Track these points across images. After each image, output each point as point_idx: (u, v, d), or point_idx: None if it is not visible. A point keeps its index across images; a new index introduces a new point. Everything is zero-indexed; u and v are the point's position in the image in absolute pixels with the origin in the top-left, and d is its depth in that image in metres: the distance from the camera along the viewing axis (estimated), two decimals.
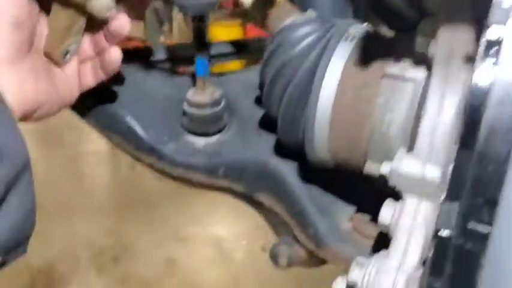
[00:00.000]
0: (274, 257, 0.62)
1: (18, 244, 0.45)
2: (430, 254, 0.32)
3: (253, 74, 0.66)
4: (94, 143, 3.00)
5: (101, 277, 2.14)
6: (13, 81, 0.47)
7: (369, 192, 0.59)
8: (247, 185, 0.63)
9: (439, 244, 0.31)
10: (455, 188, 0.33)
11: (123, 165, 2.89)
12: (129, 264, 2.20)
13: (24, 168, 0.44)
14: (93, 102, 0.62)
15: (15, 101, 0.47)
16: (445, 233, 0.31)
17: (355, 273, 0.45)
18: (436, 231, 0.32)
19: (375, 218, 0.58)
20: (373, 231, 0.57)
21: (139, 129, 0.62)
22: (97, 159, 2.87)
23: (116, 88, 0.64)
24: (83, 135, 3.05)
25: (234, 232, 2.44)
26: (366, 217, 0.58)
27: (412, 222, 0.44)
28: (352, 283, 0.45)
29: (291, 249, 0.62)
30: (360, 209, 0.59)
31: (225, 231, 2.44)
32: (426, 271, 0.32)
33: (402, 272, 0.42)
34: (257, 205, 0.66)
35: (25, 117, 0.50)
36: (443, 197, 0.34)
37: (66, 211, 2.45)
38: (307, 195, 0.59)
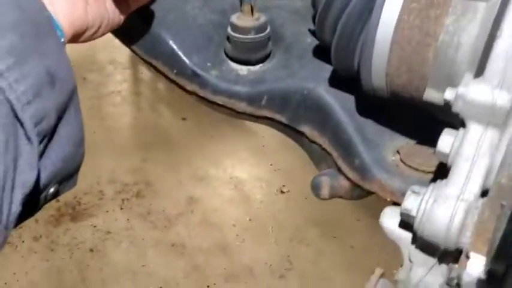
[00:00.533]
0: (316, 188, 0.61)
1: (70, 175, 0.44)
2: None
3: (299, 2, 0.63)
4: (116, 84, 3.00)
5: (124, 211, 2.19)
6: (64, 2, 0.45)
7: (417, 124, 0.58)
8: (290, 115, 0.61)
9: None
10: None
11: (145, 106, 2.90)
12: (151, 201, 2.25)
13: (72, 94, 0.43)
14: (138, 24, 0.60)
15: (66, 22, 0.46)
16: None
17: (410, 202, 0.44)
18: None
19: (422, 151, 0.57)
20: (421, 163, 0.56)
21: (182, 54, 0.60)
22: (120, 100, 2.87)
23: (159, 12, 0.61)
24: (105, 76, 3.04)
25: (252, 174, 2.47)
26: (414, 149, 0.57)
27: (475, 151, 0.42)
28: (407, 211, 0.44)
29: (334, 180, 0.61)
30: (408, 142, 0.58)
31: (244, 174, 2.47)
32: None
33: (462, 200, 0.41)
34: (298, 137, 0.65)
35: (74, 39, 0.49)
36: None
37: (90, 149, 2.45)
38: (354, 125, 0.57)
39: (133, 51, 0.62)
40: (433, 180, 0.52)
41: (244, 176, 2.45)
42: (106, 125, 2.68)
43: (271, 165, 2.53)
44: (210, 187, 2.37)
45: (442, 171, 0.47)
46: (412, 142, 0.57)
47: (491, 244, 0.33)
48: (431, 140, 0.49)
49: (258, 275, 2.00)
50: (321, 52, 0.58)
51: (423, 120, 0.55)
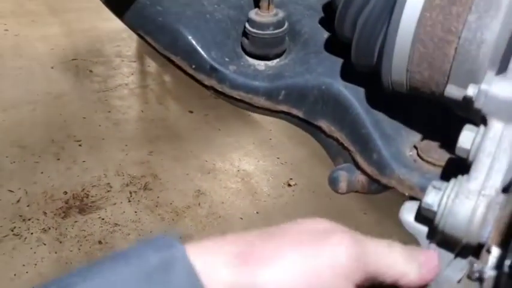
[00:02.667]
0: (333, 182, 0.62)
1: None
2: None
3: None
4: (123, 77, 3.01)
5: (132, 204, 2.21)
6: None
7: (435, 119, 0.58)
8: (307, 110, 0.62)
9: None
10: None
11: (152, 98, 2.90)
12: (159, 193, 2.26)
13: None
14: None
15: None
16: None
17: (432, 197, 0.44)
18: None
19: (441, 145, 0.58)
20: (438, 159, 0.56)
21: (201, 49, 0.61)
22: (127, 93, 2.88)
23: (177, 8, 0.62)
24: (112, 69, 3.05)
25: (259, 167, 2.48)
26: (431, 144, 0.57)
27: (497, 146, 0.42)
28: (428, 206, 0.45)
29: (351, 175, 0.61)
30: (425, 136, 0.58)
31: (251, 167, 2.48)
32: None
33: (483, 196, 0.42)
34: (314, 131, 0.65)
35: None
36: None
37: (97, 142, 2.50)
38: (372, 120, 0.58)
39: (152, 46, 0.63)
40: (443, 174, 0.53)
41: (251, 169, 2.46)
42: (113, 118, 2.69)
43: (278, 158, 2.54)
44: (217, 180, 2.38)
45: (453, 166, 0.47)
46: (429, 138, 0.58)
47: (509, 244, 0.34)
48: (447, 136, 0.50)
49: None
50: (338, 47, 0.58)
51: (439, 116, 0.56)
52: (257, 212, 2.23)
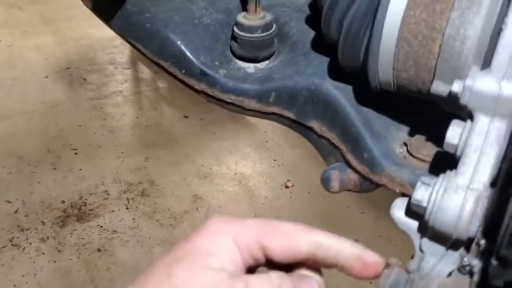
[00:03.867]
0: (325, 182, 0.62)
1: None
2: None
3: None
4: (117, 84, 3.01)
5: (130, 211, 2.21)
6: None
7: (424, 117, 0.59)
8: (298, 111, 0.62)
9: None
10: None
11: (147, 105, 2.91)
12: (156, 200, 2.26)
13: None
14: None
15: None
16: None
17: (421, 193, 0.45)
18: None
19: (430, 141, 0.58)
20: (428, 155, 0.57)
21: (190, 54, 0.61)
22: (121, 100, 2.88)
23: (165, 14, 0.62)
24: (105, 76, 3.06)
25: (256, 170, 2.48)
26: (421, 141, 0.58)
27: (484, 141, 0.43)
28: (417, 202, 0.45)
29: (343, 174, 0.62)
30: (414, 134, 0.59)
31: (248, 170, 2.48)
32: None
33: (472, 190, 0.42)
34: (306, 132, 0.66)
35: None
36: None
37: (93, 149, 2.50)
38: (362, 119, 0.58)
39: (142, 53, 0.63)
40: (432, 170, 0.53)
41: (248, 172, 2.47)
42: (108, 125, 2.69)
43: (274, 160, 2.54)
44: (214, 184, 2.38)
45: (442, 161, 0.47)
46: (418, 134, 0.58)
47: (501, 232, 0.34)
48: (436, 132, 0.50)
49: None
50: (326, 48, 0.59)
51: (428, 112, 0.56)
52: (255, 215, 2.23)
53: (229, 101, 0.63)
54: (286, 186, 2.41)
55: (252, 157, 2.57)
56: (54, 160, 2.45)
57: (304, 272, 0.44)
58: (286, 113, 0.63)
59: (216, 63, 0.62)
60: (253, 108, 0.64)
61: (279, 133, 2.67)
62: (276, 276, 0.42)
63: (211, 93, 0.63)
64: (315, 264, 0.44)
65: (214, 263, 0.41)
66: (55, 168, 2.41)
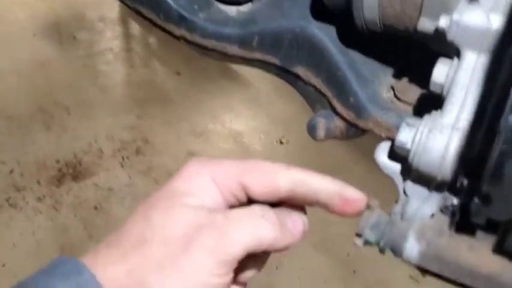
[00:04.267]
0: (311, 130, 0.61)
1: None
2: None
3: None
4: (108, 41, 2.94)
5: (125, 169, 2.21)
6: None
7: (411, 59, 0.57)
8: (283, 56, 0.60)
9: None
10: None
11: (138, 62, 2.85)
12: (151, 157, 2.26)
13: None
14: None
15: None
16: None
17: (405, 134, 0.43)
18: None
19: (417, 84, 0.56)
20: (415, 98, 0.55)
21: None
22: (112, 57, 2.82)
23: None
24: (96, 34, 2.98)
25: (251, 127, 2.47)
26: (408, 84, 0.56)
27: (470, 78, 0.41)
28: (401, 144, 0.44)
29: (329, 121, 0.60)
30: (401, 77, 0.57)
31: (242, 126, 2.47)
32: (506, 110, 0.30)
33: (457, 129, 0.41)
34: (293, 80, 0.64)
35: None
36: None
37: (85, 108, 2.47)
38: (348, 62, 0.56)
39: (121, 1, 0.60)
40: (418, 112, 0.52)
41: (242, 129, 2.45)
42: (100, 83, 2.65)
43: (268, 116, 2.52)
44: (209, 141, 2.37)
45: (428, 103, 0.46)
46: (405, 78, 0.57)
47: (486, 169, 0.33)
48: (424, 75, 0.48)
49: None
50: None
51: (415, 54, 0.54)
52: None
53: (211, 46, 0.61)
54: (281, 142, 2.40)
55: (246, 114, 2.55)
56: (46, 119, 2.42)
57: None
58: (271, 59, 0.61)
59: (196, 6, 0.59)
60: (236, 54, 0.62)
61: (273, 90, 2.64)
62: (259, 208, 0.41)
63: (191, 39, 0.60)
64: (296, 203, 0.43)
65: (193, 201, 0.40)
66: (48, 128, 2.39)
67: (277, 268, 1.89)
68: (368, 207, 0.42)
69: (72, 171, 2.19)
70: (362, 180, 2.09)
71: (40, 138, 2.32)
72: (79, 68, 2.74)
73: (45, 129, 2.37)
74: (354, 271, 1.97)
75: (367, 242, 0.41)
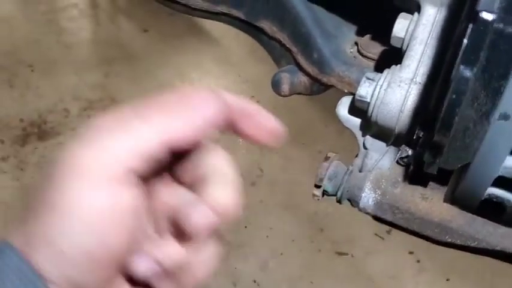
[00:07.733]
0: (276, 85, 0.61)
1: None
2: (465, 40, 0.30)
3: None
4: None
5: None
6: None
7: (375, 15, 0.57)
8: (248, 10, 0.60)
9: (478, 28, 0.29)
10: None
11: (104, 19, 2.75)
12: None
13: None
14: None
15: None
16: (485, 15, 0.29)
17: (365, 88, 0.44)
18: (476, 13, 0.29)
19: (380, 41, 0.57)
20: (378, 53, 0.56)
21: None
22: (76, 13, 2.72)
23: None
24: None
25: (220, 86, 2.44)
26: (371, 40, 0.57)
27: (429, 33, 0.42)
28: (361, 98, 0.45)
29: (294, 76, 0.61)
30: (365, 33, 0.57)
31: (211, 85, 2.44)
32: (457, 62, 0.31)
33: (415, 83, 0.42)
34: (257, 34, 0.64)
35: None
36: None
37: (49, 66, 2.39)
38: (313, 18, 0.56)
39: None
40: (379, 67, 0.53)
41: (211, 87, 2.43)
42: (64, 40, 2.56)
43: (239, 76, 2.50)
44: None
45: (389, 57, 0.47)
46: (369, 34, 0.57)
47: (438, 118, 0.34)
48: (387, 31, 0.49)
49: None
50: None
51: (379, 11, 0.55)
52: (220, 131, 2.24)
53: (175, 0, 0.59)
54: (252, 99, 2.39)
55: (216, 72, 2.52)
56: (9, 77, 2.34)
57: None
58: (235, 12, 0.60)
59: None
60: (201, 7, 0.61)
61: (244, 48, 2.60)
62: None
63: None
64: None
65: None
66: (11, 86, 2.31)
67: (246, 227, 1.93)
68: (326, 158, 0.43)
69: (37, 131, 2.14)
70: (330, 143, 2.13)
71: (3, 97, 2.24)
72: (42, 24, 2.63)
73: (8, 87, 2.29)
74: (321, 229, 2.02)
75: (325, 193, 0.42)
